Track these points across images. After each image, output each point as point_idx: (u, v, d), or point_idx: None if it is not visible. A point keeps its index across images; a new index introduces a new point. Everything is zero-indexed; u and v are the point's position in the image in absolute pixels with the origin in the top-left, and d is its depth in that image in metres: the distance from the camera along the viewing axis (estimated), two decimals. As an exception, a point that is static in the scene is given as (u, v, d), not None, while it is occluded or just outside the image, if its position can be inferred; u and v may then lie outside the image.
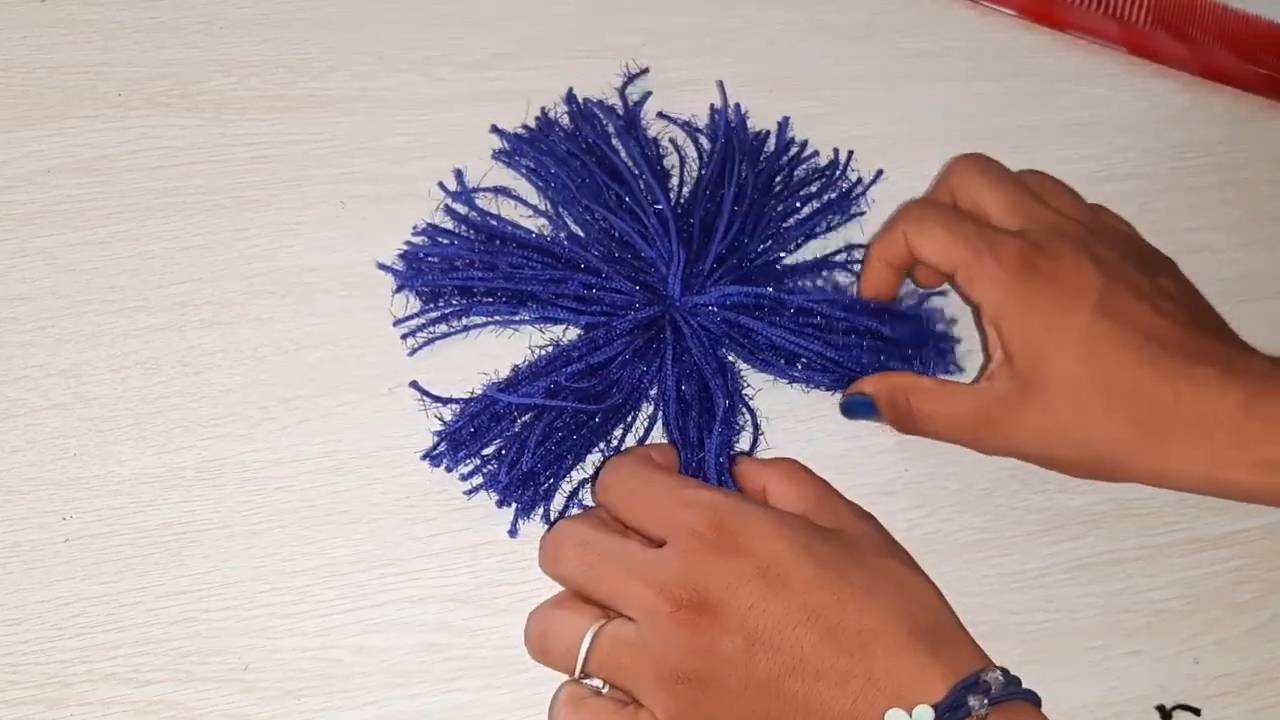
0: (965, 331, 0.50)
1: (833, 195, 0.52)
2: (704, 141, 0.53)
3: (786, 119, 0.53)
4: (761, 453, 0.46)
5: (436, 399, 0.45)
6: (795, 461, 0.43)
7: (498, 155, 0.51)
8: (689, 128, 0.53)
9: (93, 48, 0.50)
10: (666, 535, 0.38)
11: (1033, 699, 0.36)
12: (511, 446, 0.44)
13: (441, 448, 0.44)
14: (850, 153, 0.53)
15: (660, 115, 0.53)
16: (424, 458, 0.44)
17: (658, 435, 0.46)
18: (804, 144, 0.53)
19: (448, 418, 0.45)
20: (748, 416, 0.46)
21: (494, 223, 0.48)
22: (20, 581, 0.40)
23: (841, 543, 0.38)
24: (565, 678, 0.39)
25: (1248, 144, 0.59)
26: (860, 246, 0.51)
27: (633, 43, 0.55)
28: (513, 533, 0.43)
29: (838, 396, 0.47)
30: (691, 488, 0.39)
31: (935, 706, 0.34)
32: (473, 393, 0.45)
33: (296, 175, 0.49)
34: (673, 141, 0.53)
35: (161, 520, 0.42)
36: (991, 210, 0.46)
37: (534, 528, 0.43)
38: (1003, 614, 0.45)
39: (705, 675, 0.36)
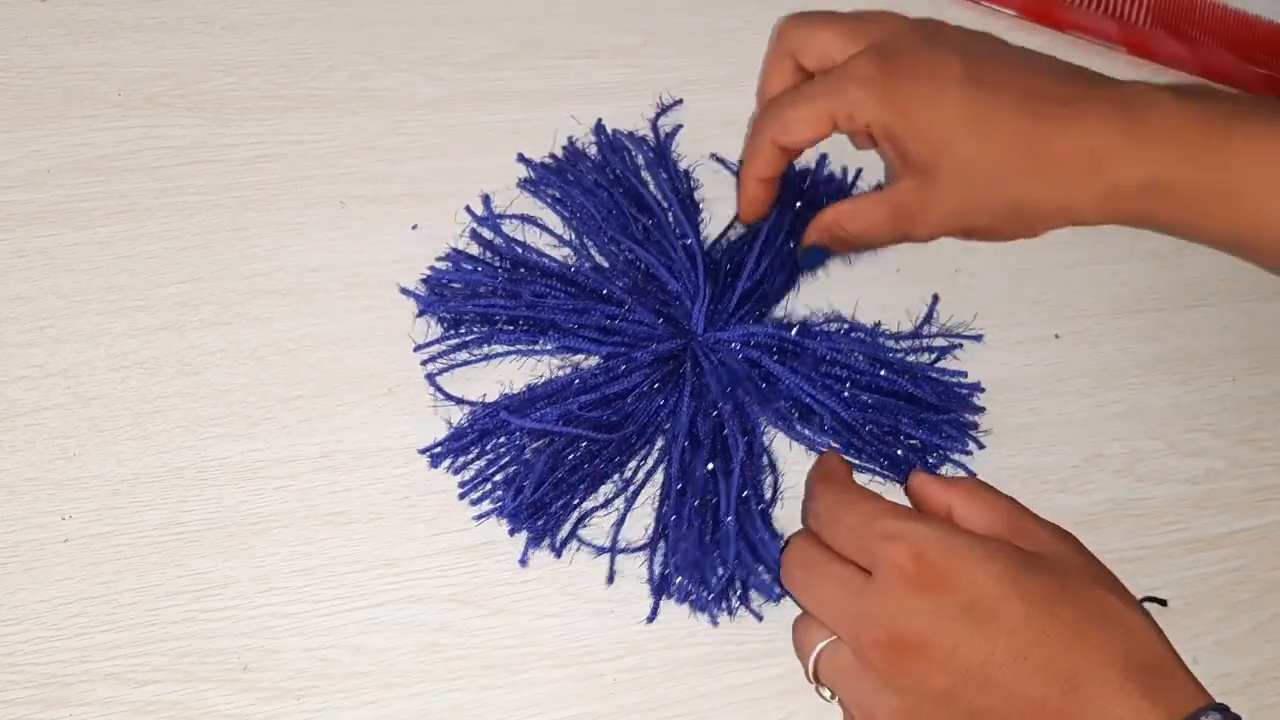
0: (1010, 384, 0.50)
1: None
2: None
3: (824, 156, 0.53)
4: (783, 493, 0.45)
5: (449, 397, 0.45)
6: (979, 480, 0.43)
7: (523, 184, 0.50)
8: (733, 168, 0.52)
9: (93, 48, 0.51)
10: (871, 566, 0.38)
11: None
12: (519, 474, 0.43)
13: (442, 449, 0.44)
14: (859, 170, 0.53)
15: (713, 157, 0.53)
16: (423, 452, 0.44)
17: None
18: (837, 175, 0.53)
19: (456, 418, 0.44)
20: (766, 463, 0.46)
21: (519, 250, 0.48)
22: (20, 581, 0.40)
23: (1049, 572, 0.37)
24: None
25: (1248, 144, 0.59)
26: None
27: (633, 43, 0.55)
28: (523, 562, 0.43)
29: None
30: (891, 516, 0.38)
31: None
32: (485, 396, 0.45)
33: (296, 175, 0.49)
34: (726, 164, 0.52)
35: (161, 520, 0.42)
36: (834, 48, 0.47)
37: (543, 556, 0.43)
38: (1002, 614, 0.45)
39: (913, 708, 0.36)
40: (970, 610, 0.36)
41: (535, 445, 0.44)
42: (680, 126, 0.53)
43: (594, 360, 0.46)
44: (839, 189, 0.53)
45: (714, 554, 0.43)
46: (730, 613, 0.43)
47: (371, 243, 0.48)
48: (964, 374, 0.49)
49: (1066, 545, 0.40)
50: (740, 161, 0.50)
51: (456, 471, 0.44)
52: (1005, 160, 0.43)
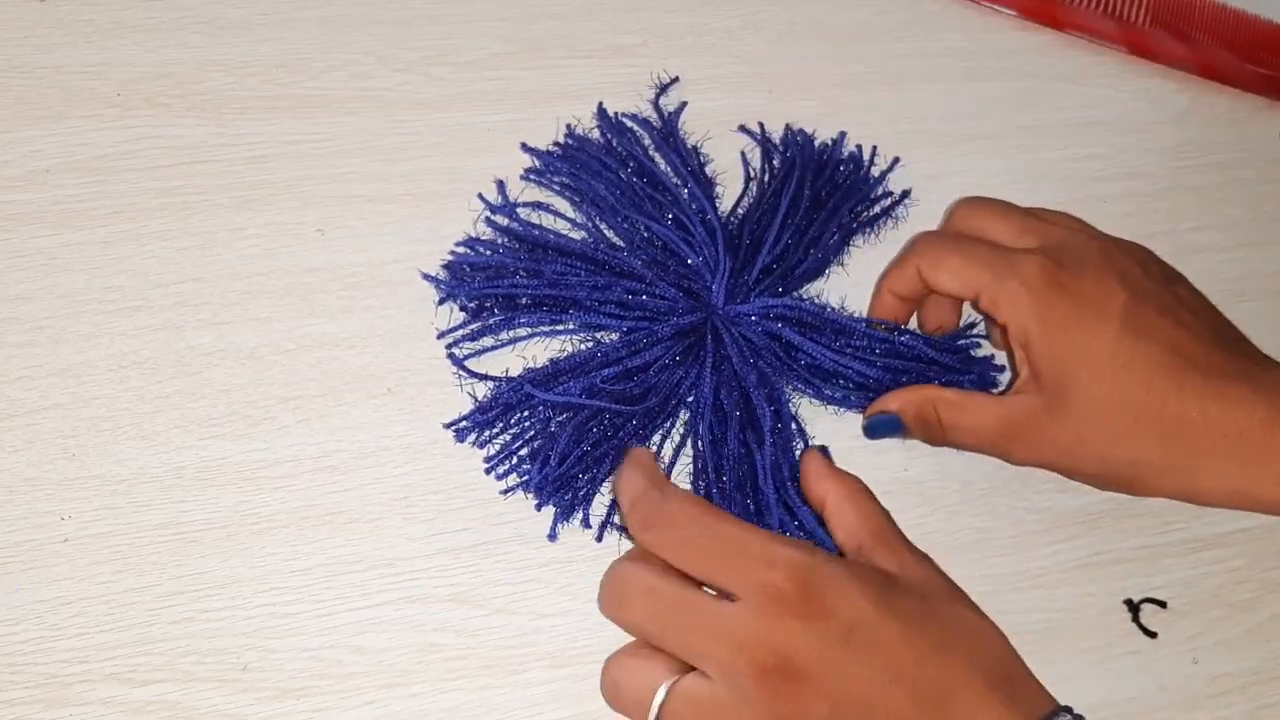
0: (1005, 377, 0.50)
1: (869, 202, 0.52)
2: (755, 159, 0.53)
3: (843, 134, 0.53)
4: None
5: (472, 374, 0.45)
6: (862, 485, 0.42)
7: (528, 175, 0.50)
8: (762, 139, 0.53)
9: (93, 48, 0.51)
10: (742, 592, 0.36)
11: None
12: (544, 447, 0.44)
13: (467, 423, 0.44)
14: (875, 148, 0.53)
15: (741, 129, 0.53)
16: (448, 426, 0.44)
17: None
18: (855, 151, 0.53)
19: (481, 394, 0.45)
20: (795, 429, 0.46)
21: (536, 232, 0.48)
22: (20, 581, 0.40)
23: (916, 595, 0.37)
24: None
25: (1248, 144, 0.59)
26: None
27: (633, 43, 0.55)
28: (551, 536, 0.43)
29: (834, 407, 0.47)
30: (766, 541, 0.37)
31: None
32: (507, 372, 0.45)
33: (296, 175, 0.49)
34: (743, 153, 0.53)
35: (161, 520, 0.42)
36: (1002, 237, 0.45)
37: (606, 551, 0.43)
38: (1003, 614, 0.45)
39: None
40: (850, 635, 0.35)
41: (559, 419, 0.44)
42: (685, 103, 0.53)
43: (616, 337, 0.46)
44: (858, 167, 0.53)
45: (756, 523, 0.43)
46: None
47: (371, 243, 0.48)
48: (978, 342, 0.49)
49: (928, 568, 0.40)
50: (883, 273, 0.48)
51: (482, 445, 0.44)
52: (1139, 419, 0.41)
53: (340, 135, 0.50)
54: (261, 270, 0.47)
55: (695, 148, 0.52)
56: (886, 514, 0.41)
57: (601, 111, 0.52)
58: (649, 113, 0.53)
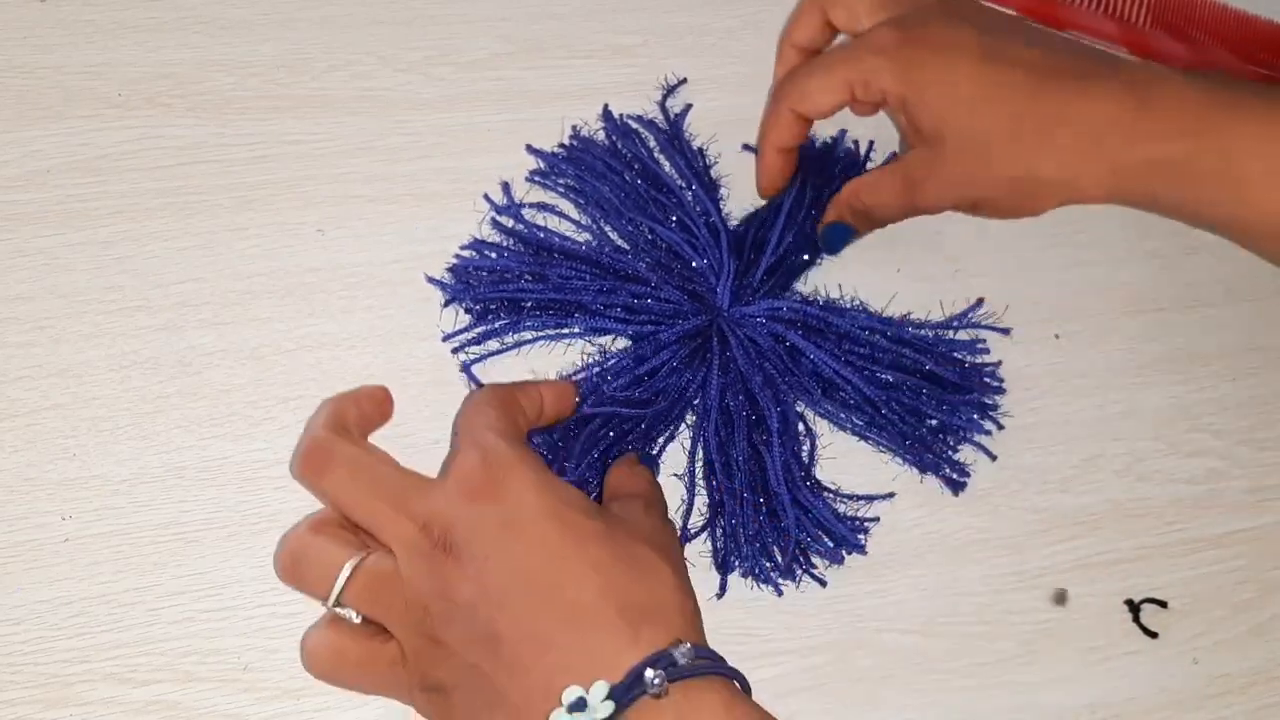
0: (1011, 384, 0.50)
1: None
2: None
3: (843, 131, 0.53)
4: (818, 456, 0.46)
5: (479, 383, 0.45)
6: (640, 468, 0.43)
7: (533, 176, 0.50)
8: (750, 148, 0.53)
9: (93, 48, 0.50)
10: (446, 474, 0.38)
11: (730, 675, 0.35)
12: (557, 455, 0.43)
13: None
14: (871, 142, 0.53)
15: (745, 147, 0.53)
16: None
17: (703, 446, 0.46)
18: (851, 148, 0.53)
19: None
20: (803, 430, 0.46)
21: (541, 234, 0.48)
22: (20, 581, 0.40)
23: (606, 520, 0.38)
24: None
25: (1248, 144, 0.59)
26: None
27: (633, 43, 0.55)
28: None
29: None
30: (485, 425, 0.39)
31: (612, 685, 0.33)
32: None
33: (296, 175, 0.49)
34: (746, 145, 0.53)
35: (161, 520, 0.42)
36: (862, 12, 0.48)
37: None
38: (1003, 614, 0.45)
39: (444, 618, 0.35)
40: (507, 525, 0.36)
41: (570, 427, 0.44)
42: (690, 105, 0.53)
43: (623, 342, 0.47)
44: (853, 163, 0.53)
45: (770, 526, 0.44)
46: (795, 581, 0.44)
47: (371, 243, 0.48)
48: (985, 347, 0.49)
49: (649, 512, 0.40)
50: (759, 135, 0.51)
51: None
52: (1013, 132, 0.44)
53: (341, 135, 0.50)
54: (262, 270, 0.47)
55: (700, 149, 0.52)
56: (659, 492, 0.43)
57: (607, 113, 0.52)
58: (654, 113, 0.53)
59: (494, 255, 0.48)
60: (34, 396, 0.43)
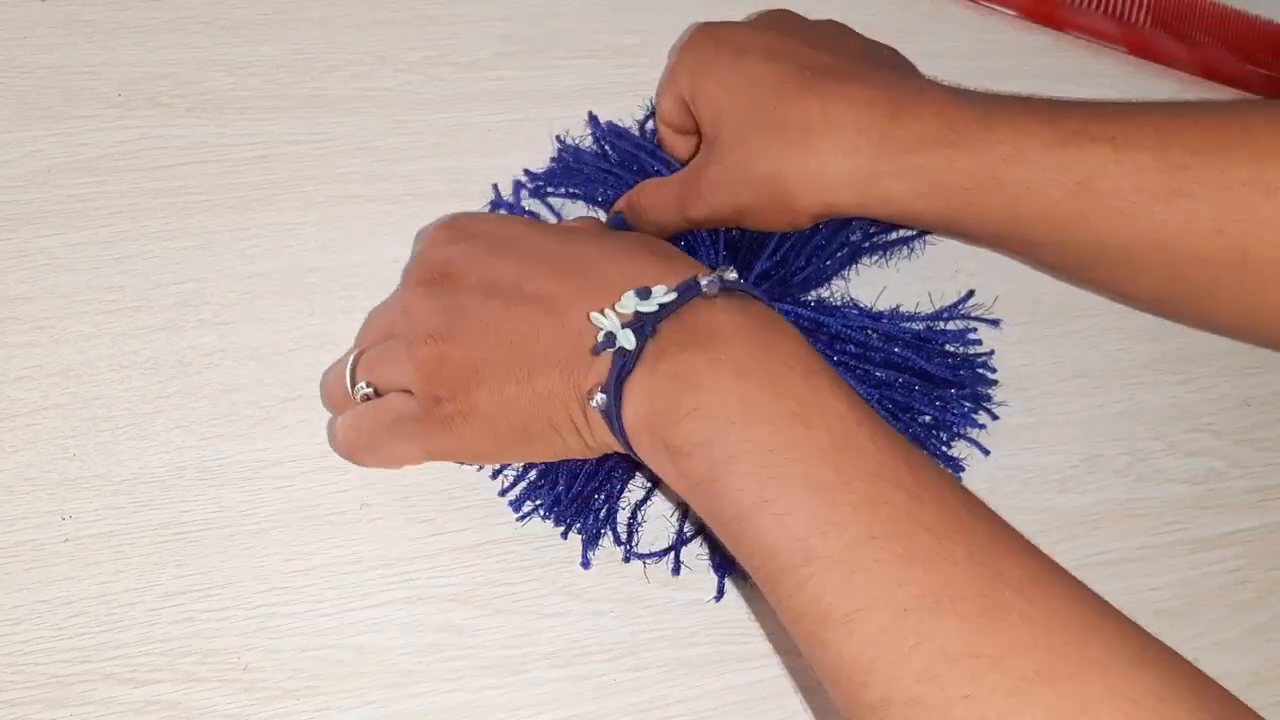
0: (1011, 384, 0.50)
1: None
2: None
3: None
4: None
5: None
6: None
7: (534, 190, 0.50)
8: None
9: (93, 48, 0.51)
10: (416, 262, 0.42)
11: (762, 299, 0.37)
12: (549, 472, 0.43)
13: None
14: None
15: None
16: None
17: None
18: None
19: None
20: None
21: None
22: (20, 581, 0.40)
23: (594, 234, 0.41)
24: None
25: (1248, 144, 0.59)
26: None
27: (633, 43, 0.55)
28: (584, 564, 0.43)
29: None
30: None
31: (669, 286, 0.35)
32: None
33: (296, 175, 0.49)
34: None
35: (161, 520, 0.42)
36: None
37: (606, 552, 0.43)
38: (1002, 614, 0.45)
39: (449, 326, 0.38)
40: (500, 244, 0.39)
41: None
42: None
43: None
44: None
45: None
46: None
47: (371, 243, 0.48)
48: (977, 338, 0.49)
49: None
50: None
51: (494, 476, 0.44)
52: (772, 129, 0.43)
53: (341, 135, 0.50)
54: (262, 270, 0.47)
55: None
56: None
57: (593, 119, 0.52)
58: (639, 128, 0.53)
59: None
60: (34, 396, 0.43)
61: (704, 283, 0.35)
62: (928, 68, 0.59)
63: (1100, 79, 0.60)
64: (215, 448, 0.43)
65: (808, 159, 0.42)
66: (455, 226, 0.41)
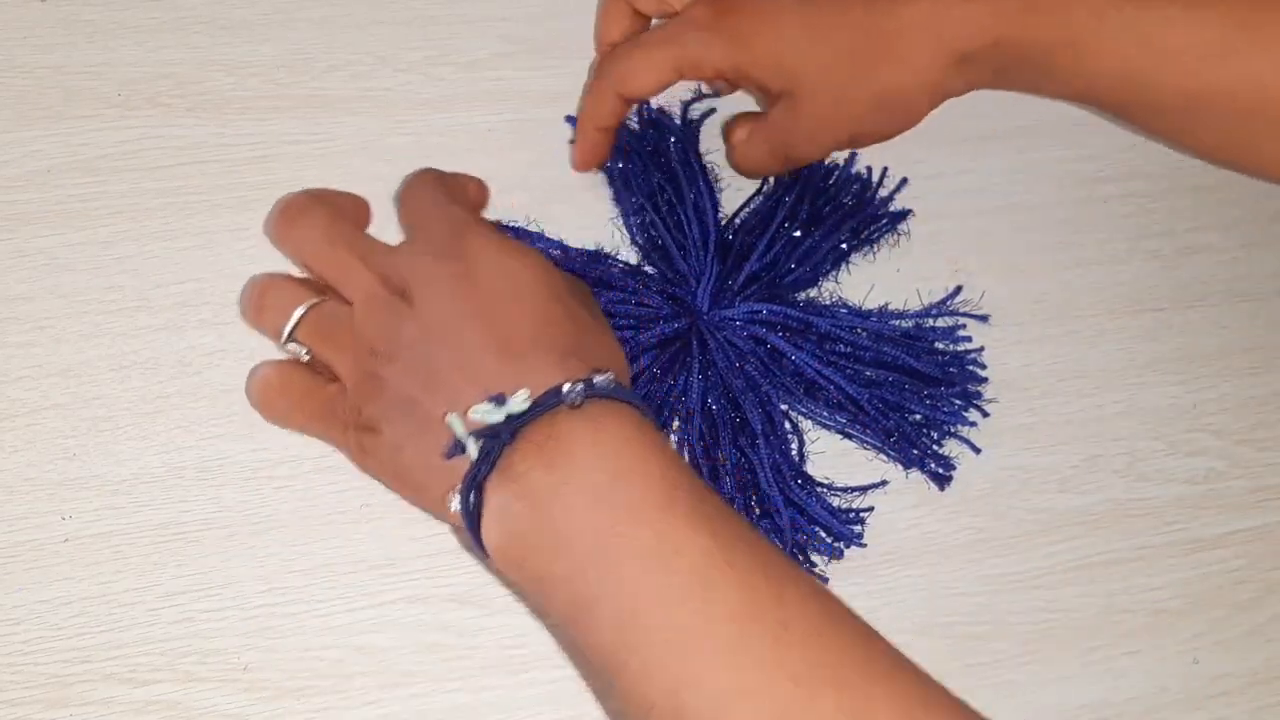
0: (1011, 384, 0.50)
1: (868, 219, 0.51)
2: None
3: (854, 153, 0.53)
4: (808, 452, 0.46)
5: None
6: None
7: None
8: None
9: (93, 48, 0.51)
10: (409, 232, 0.42)
11: (638, 406, 0.36)
12: None
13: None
14: (885, 169, 0.53)
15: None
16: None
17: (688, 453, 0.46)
18: (864, 173, 0.53)
19: None
20: (789, 429, 0.46)
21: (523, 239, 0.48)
22: (20, 581, 0.40)
23: (555, 276, 0.40)
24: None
25: (1248, 144, 0.59)
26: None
27: (633, 43, 0.55)
28: None
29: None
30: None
31: (532, 392, 0.35)
32: None
33: (296, 175, 0.49)
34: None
35: (161, 520, 0.42)
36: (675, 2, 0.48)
37: None
38: (1003, 614, 0.45)
39: (388, 356, 0.38)
40: (464, 275, 0.39)
41: None
42: (714, 110, 0.53)
43: None
44: (865, 188, 0.52)
45: (765, 526, 0.44)
46: None
47: (371, 243, 0.48)
48: (968, 336, 0.49)
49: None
50: (579, 111, 0.50)
51: None
52: (854, 56, 0.44)
53: (342, 136, 0.50)
54: (262, 270, 0.47)
55: (701, 156, 0.52)
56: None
57: (643, 103, 0.52)
58: (683, 110, 0.53)
59: None
60: (34, 396, 0.43)
61: (566, 390, 0.34)
62: None
63: None
64: (215, 448, 0.43)
65: (904, 66, 0.44)
66: (456, 236, 0.40)
